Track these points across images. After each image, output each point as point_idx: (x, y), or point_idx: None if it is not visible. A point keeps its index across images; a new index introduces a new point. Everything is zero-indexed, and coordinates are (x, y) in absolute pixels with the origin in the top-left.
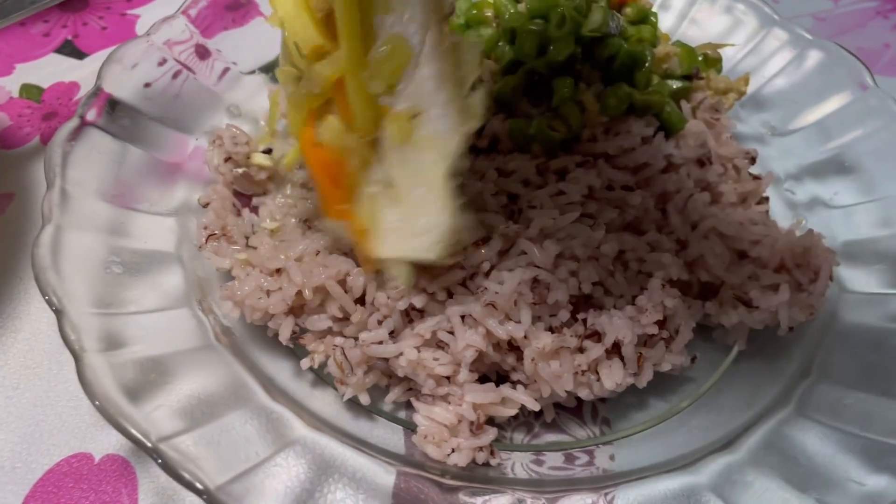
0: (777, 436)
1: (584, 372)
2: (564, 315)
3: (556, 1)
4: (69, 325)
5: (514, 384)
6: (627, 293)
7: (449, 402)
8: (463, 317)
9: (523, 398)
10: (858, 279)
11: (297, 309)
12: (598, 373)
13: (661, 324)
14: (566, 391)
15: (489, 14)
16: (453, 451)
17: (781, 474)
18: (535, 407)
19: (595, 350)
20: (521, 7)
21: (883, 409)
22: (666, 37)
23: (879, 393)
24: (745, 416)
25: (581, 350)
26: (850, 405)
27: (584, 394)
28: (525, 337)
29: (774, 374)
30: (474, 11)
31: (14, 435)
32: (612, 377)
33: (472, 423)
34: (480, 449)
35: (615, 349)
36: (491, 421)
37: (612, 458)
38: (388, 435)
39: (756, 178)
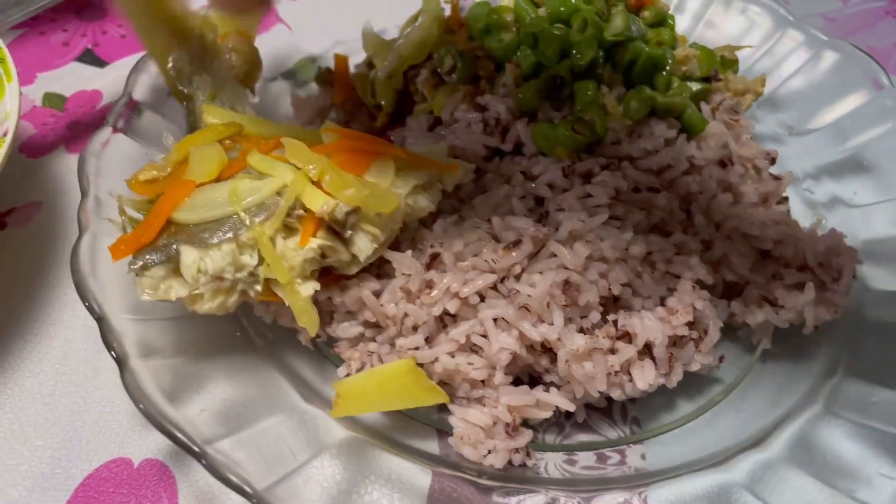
0: (806, 433)
1: (616, 373)
2: (595, 316)
3: (576, 6)
4: (111, 331)
5: (546, 386)
6: (655, 294)
7: (484, 405)
8: (496, 320)
9: (557, 400)
10: (881, 277)
11: (327, 316)
12: (630, 373)
13: (691, 325)
14: (599, 392)
15: (509, 19)
16: (490, 452)
17: (812, 471)
18: (571, 408)
19: (627, 351)
20: (542, 11)
21: None
22: (683, 39)
23: None
24: (773, 415)
25: (613, 351)
26: (878, 402)
27: (616, 394)
28: (558, 339)
29: (801, 372)
30: (495, 16)
31: (53, 441)
32: (645, 378)
33: (507, 424)
34: (517, 450)
35: (646, 350)
36: (525, 423)
37: (643, 457)
38: (422, 436)
39: (776, 178)
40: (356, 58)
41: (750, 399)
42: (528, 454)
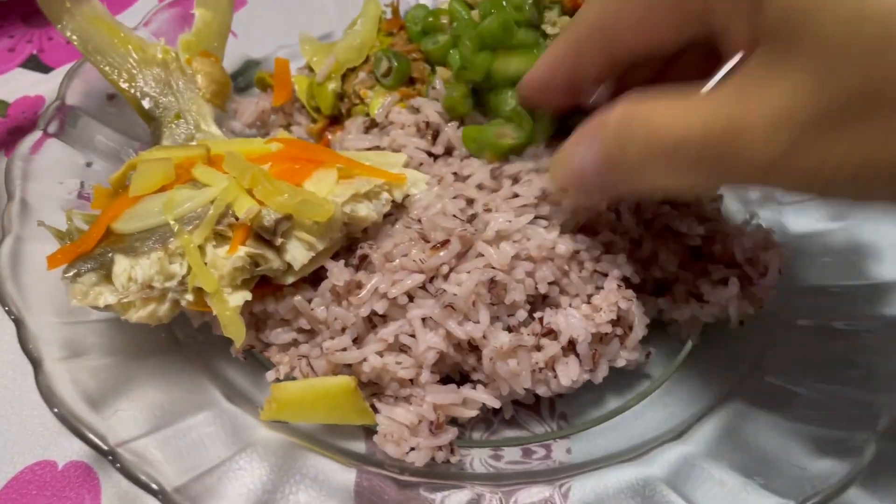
0: (728, 427)
1: (541, 370)
2: (522, 314)
3: (506, 11)
4: (28, 334)
5: (474, 384)
6: (583, 292)
7: (411, 404)
8: (424, 319)
9: (483, 397)
10: (808, 272)
11: (261, 323)
12: (554, 370)
13: (615, 322)
14: (524, 389)
15: (445, 21)
16: (412, 449)
17: (731, 463)
18: (496, 404)
19: (551, 348)
20: (475, 14)
21: (830, 399)
22: None
23: (827, 383)
24: (697, 408)
25: (538, 348)
26: (800, 395)
27: (541, 391)
28: (484, 337)
29: (727, 367)
30: (430, 19)
31: None
32: (569, 374)
33: (431, 423)
34: (440, 448)
35: (571, 347)
36: (454, 421)
37: (568, 451)
38: (348, 436)
39: None
40: (299, 61)
41: (676, 393)
42: (451, 451)
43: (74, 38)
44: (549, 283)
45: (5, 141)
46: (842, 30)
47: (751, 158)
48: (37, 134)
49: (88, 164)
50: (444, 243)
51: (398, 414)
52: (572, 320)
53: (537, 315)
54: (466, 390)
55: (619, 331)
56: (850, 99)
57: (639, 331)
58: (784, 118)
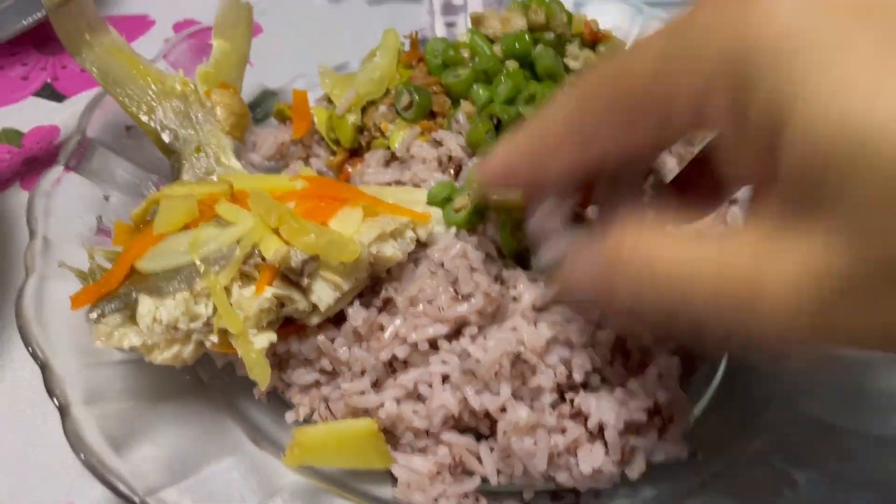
0: None
1: (559, 454)
2: (547, 398)
3: (529, 48)
4: (54, 379)
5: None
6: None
7: (427, 454)
8: (444, 377)
9: (488, 468)
10: None
11: (284, 363)
12: (576, 454)
13: (654, 410)
14: (540, 472)
15: (466, 55)
16: (439, 497)
17: None
18: (493, 481)
19: (575, 430)
20: (497, 48)
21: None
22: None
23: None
24: None
25: (562, 430)
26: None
27: (562, 477)
28: (502, 409)
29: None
30: (451, 52)
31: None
32: (591, 461)
33: (450, 465)
34: (466, 495)
35: (599, 432)
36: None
37: (597, 496)
38: (374, 481)
39: None
40: (316, 92)
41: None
42: (477, 500)
43: (94, 70)
44: (588, 372)
45: (20, 171)
46: (879, 191)
47: (769, 320)
48: (58, 169)
49: (106, 198)
50: (468, 296)
51: (416, 463)
52: (604, 403)
53: (569, 396)
54: (483, 447)
55: (657, 421)
56: (888, 267)
57: (680, 422)
58: (810, 282)
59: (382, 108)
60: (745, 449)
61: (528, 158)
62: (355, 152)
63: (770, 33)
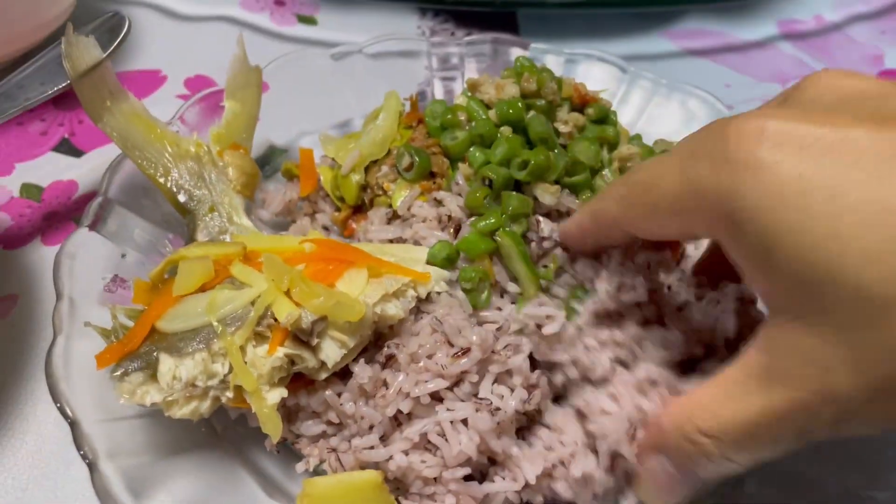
0: None
1: (554, 465)
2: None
3: (521, 114)
4: (82, 436)
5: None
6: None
7: (435, 501)
8: (452, 422)
9: (505, 486)
10: None
11: (293, 415)
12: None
13: None
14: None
15: (462, 118)
16: None
17: None
18: (516, 486)
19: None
20: (492, 113)
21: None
22: (626, 133)
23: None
24: None
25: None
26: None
27: (559, 487)
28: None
29: None
30: (449, 115)
31: None
32: (581, 465)
33: None
34: None
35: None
36: None
37: None
38: None
39: None
40: (321, 150)
41: None
42: None
43: (115, 135)
44: None
45: (40, 226)
46: (863, 310)
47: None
48: (83, 231)
49: (123, 256)
50: (466, 351)
51: None
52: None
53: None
54: (487, 486)
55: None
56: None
57: None
58: (826, 399)
59: (385, 168)
60: None
61: (588, 234)
62: (359, 209)
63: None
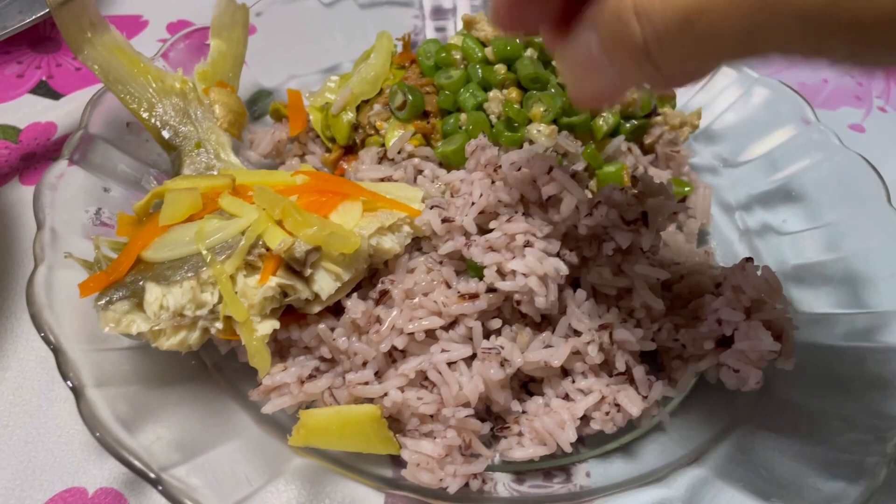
0: (740, 449)
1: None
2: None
3: (519, 51)
4: (67, 362)
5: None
6: None
7: (434, 438)
8: (449, 363)
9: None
10: (808, 301)
11: (284, 350)
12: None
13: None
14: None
15: (457, 56)
16: (448, 477)
17: (746, 485)
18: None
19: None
20: (488, 51)
21: (834, 421)
22: None
23: (831, 407)
24: (710, 433)
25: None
26: (810, 418)
27: (608, 428)
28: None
29: (736, 392)
30: (443, 54)
31: (6, 472)
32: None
33: (460, 446)
34: (475, 476)
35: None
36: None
37: (588, 475)
38: (375, 462)
39: None
40: (310, 91)
41: (688, 419)
42: (483, 481)
43: (96, 67)
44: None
45: (18, 167)
46: None
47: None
48: (63, 163)
49: (106, 190)
50: (474, 296)
51: (424, 447)
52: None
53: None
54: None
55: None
56: None
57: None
58: None
59: (377, 107)
60: None
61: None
62: (349, 149)
63: None
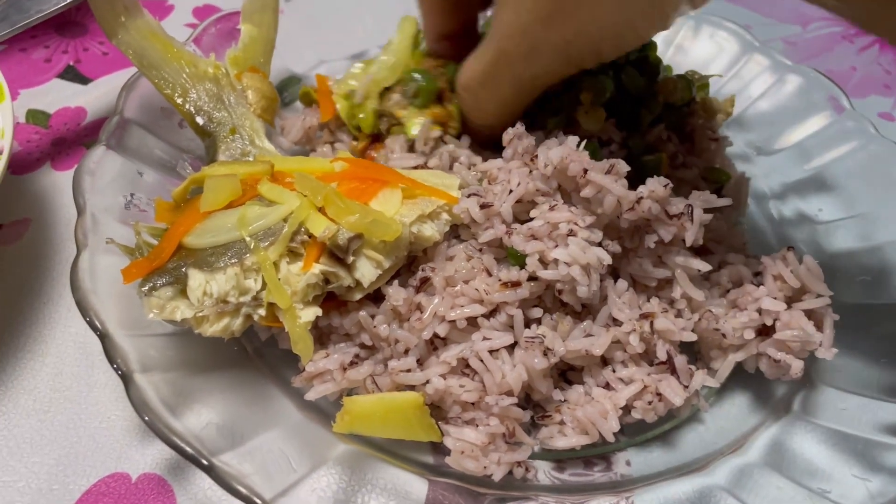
0: (781, 439)
1: (649, 402)
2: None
3: None
4: (114, 348)
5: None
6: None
7: (477, 425)
8: (491, 350)
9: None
10: (844, 290)
11: (325, 337)
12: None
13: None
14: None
15: None
16: (492, 464)
17: (787, 474)
18: (570, 444)
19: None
20: None
21: (876, 411)
22: (660, 60)
23: (872, 396)
24: (750, 422)
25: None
26: (846, 408)
27: (649, 417)
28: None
29: (775, 381)
30: None
31: (49, 458)
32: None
33: (504, 434)
34: (518, 464)
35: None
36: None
37: (628, 463)
38: (416, 449)
39: None
40: (339, 77)
41: (727, 408)
42: (526, 469)
43: (130, 52)
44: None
45: (49, 152)
46: None
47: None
48: (101, 148)
49: (140, 175)
50: (516, 284)
51: (467, 435)
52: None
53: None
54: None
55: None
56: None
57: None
58: (516, 34)
59: (395, 95)
60: None
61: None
62: (377, 137)
63: None
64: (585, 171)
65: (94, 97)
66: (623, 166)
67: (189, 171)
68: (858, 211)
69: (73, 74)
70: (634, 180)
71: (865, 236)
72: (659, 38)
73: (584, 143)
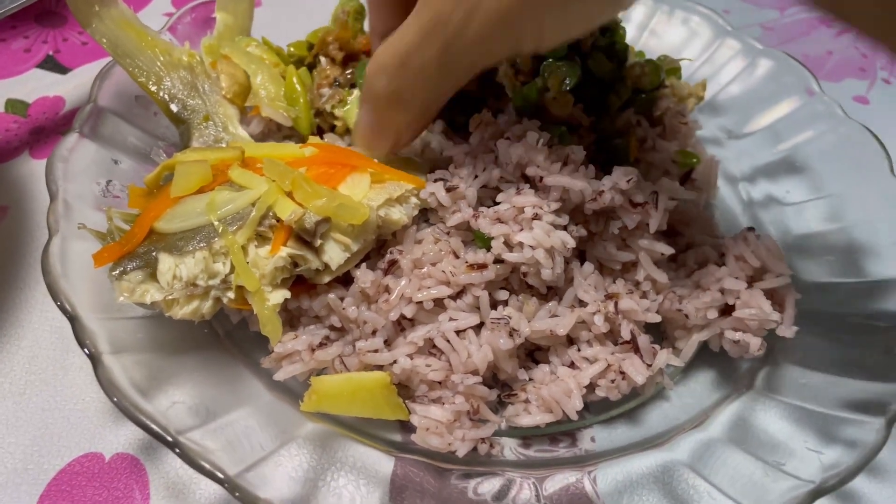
0: (742, 414)
1: (613, 380)
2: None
3: None
4: (83, 330)
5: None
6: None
7: (443, 404)
8: (457, 331)
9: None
10: (811, 270)
11: (295, 319)
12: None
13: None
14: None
15: None
16: (457, 441)
17: (747, 448)
18: (535, 422)
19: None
20: None
21: (836, 387)
22: (631, 48)
23: (838, 372)
24: (712, 398)
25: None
26: (807, 384)
27: (613, 395)
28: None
29: (739, 360)
30: None
31: (24, 438)
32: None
33: (468, 412)
34: (483, 440)
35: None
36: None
37: (592, 439)
38: (384, 427)
39: None
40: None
41: (693, 386)
42: (491, 445)
43: (104, 41)
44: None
45: (28, 141)
46: None
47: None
48: (74, 136)
49: (116, 162)
50: (482, 266)
51: (433, 412)
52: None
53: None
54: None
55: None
56: None
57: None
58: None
59: (325, 91)
60: None
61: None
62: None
63: None
64: (541, 178)
65: (72, 86)
66: (580, 152)
67: (164, 158)
68: (826, 192)
69: (53, 64)
70: (605, 164)
71: (833, 217)
72: (632, 23)
73: (543, 140)
